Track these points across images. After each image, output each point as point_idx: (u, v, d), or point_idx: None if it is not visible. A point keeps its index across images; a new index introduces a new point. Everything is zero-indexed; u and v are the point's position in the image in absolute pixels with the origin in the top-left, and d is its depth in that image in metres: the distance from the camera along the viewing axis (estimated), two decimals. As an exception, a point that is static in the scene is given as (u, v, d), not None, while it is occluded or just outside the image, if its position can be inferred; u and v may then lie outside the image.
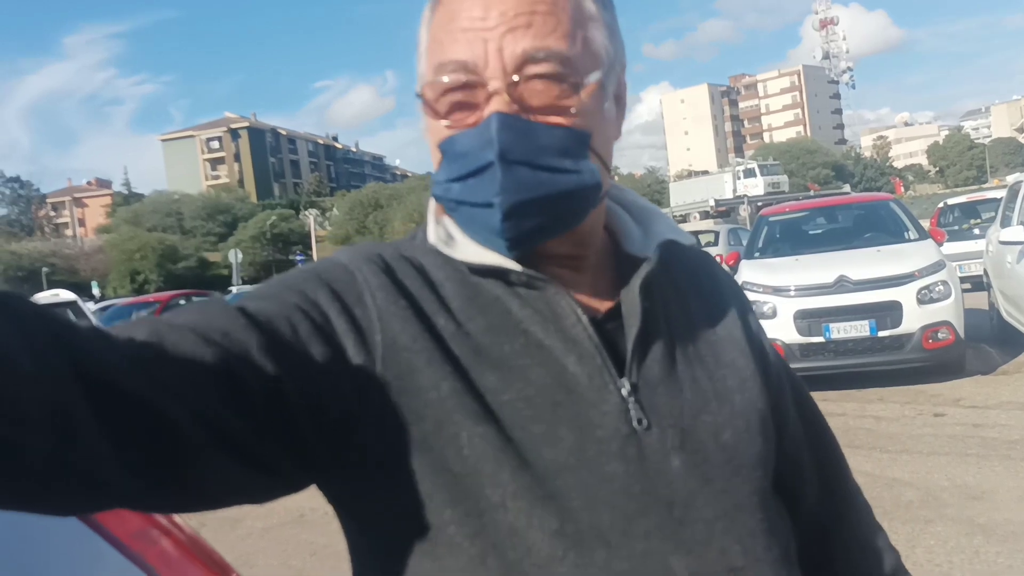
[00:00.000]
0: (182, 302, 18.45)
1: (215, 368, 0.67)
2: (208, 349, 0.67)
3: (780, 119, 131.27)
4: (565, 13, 0.78)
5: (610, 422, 0.78)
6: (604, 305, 0.86)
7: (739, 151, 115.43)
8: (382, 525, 0.78)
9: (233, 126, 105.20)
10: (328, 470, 0.76)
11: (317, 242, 54.62)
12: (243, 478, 0.69)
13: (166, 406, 0.62)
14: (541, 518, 0.74)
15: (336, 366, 0.74)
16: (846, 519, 1.02)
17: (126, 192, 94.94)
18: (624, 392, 0.80)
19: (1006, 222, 8.68)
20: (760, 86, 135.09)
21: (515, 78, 0.76)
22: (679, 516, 0.78)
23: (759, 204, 34.05)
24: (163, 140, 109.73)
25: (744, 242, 12.72)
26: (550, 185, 0.76)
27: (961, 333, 7.46)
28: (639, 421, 0.79)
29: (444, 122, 0.80)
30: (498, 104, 0.76)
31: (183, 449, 0.64)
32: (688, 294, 0.91)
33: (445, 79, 0.79)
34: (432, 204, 0.87)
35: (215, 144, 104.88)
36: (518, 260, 0.82)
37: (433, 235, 0.85)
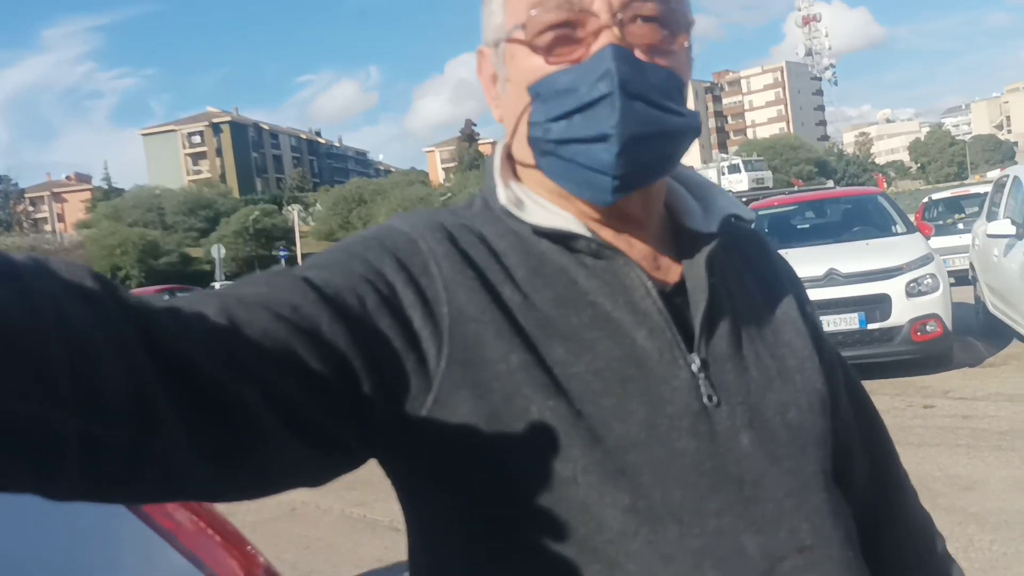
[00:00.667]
0: (165, 298, 18.35)
1: (286, 347, 0.65)
2: (279, 326, 0.65)
3: (764, 115, 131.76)
4: None
5: (680, 398, 0.77)
6: (669, 279, 0.84)
7: (723, 147, 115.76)
8: (447, 503, 0.76)
9: (215, 120, 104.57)
10: (395, 444, 0.74)
11: (300, 237, 54.39)
12: (311, 459, 0.67)
13: (241, 391, 0.60)
14: (613, 494, 0.73)
15: (404, 339, 0.72)
16: (896, 504, 1.01)
17: (106, 187, 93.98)
18: (695, 368, 0.79)
19: (992, 216, 8.75)
20: (744, 82, 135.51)
21: (623, 16, 0.75)
22: (749, 494, 0.77)
23: (744, 199, 34.19)
24: (144, 134, 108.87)
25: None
26: (664, 123, 0.76)
27: (949, 326, 7.52)
28: (709, 398, 0.78)
29: (543, 59, 0.77)
30: (609, 37, 0.75)
31: (257, 433, 0.62)
32: (745, 272, 0.90)
33: (548, 13, 0.77)
34: (498, 164, 0.86)
35: (196, 139, 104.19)
36: (589, 221, 0.81)
37: (503, 196, 0.83)
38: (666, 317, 0.79)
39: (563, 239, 0.81)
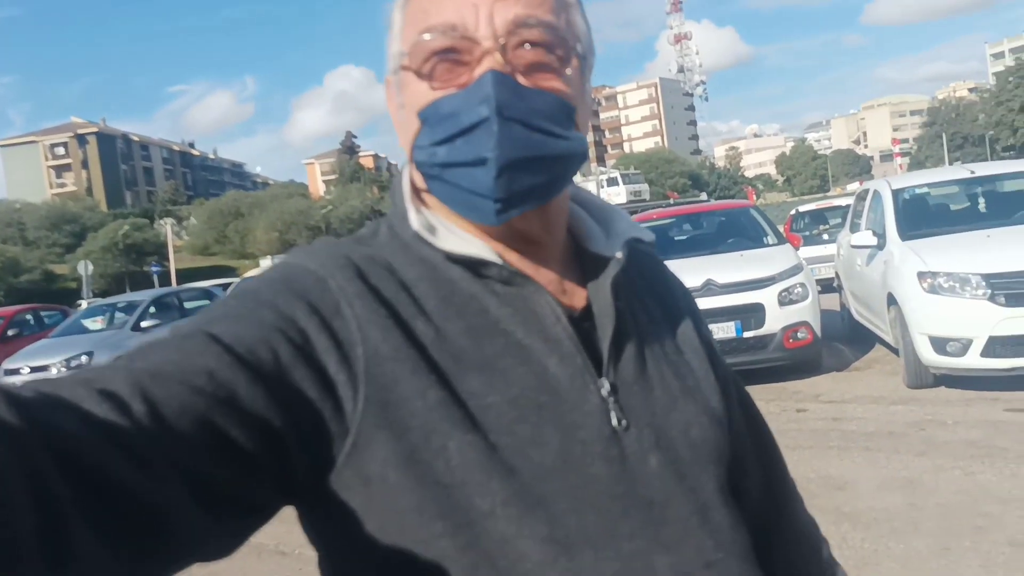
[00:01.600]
0: (28, 317, 17.38)
1: (205, 421, 0.63)
2: (197, 400, 0.63)
3: (639, 130, 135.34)
4: None
5: (592, 423, 0.78)
6: (576, 303, 0.85)
7: (601, 160, 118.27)
8: (369, 545, 0.75)
9: (80, 131, 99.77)
10: (315, 493, 0.73)
11: (174, 252, 52.43)
12: (229, 531, 0.66)
13: (160, 495, 0.59)
14: (531, 525, 0.73)
15: (320, 388, 0.71)
16: (785, 512, 1.05)
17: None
18: (604, 392, 0.80)
19: (855, 228, 9.23)
20: (620, 97, 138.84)
21: (506, 41, 0.76)
22: (658, 515, 0.79)
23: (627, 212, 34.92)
24: (1, 146, 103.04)
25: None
26: (543, 146, 0.76)
27: (819, 332, 7.90)
28: (619, 421, 0.79)
29: (429, 85, 0.78)
30: (491, 63, 0.75)
31: (177, 530, 0.60)
32: (645, 294, 0.93)
33: (434, 40, 0.77)
34: (406, 191, 0.85)
35: (60, 150, 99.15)
36: (494, 246, 0.81)
37: (416, 222, 0.82)
38: (576, 343, 0.80)
39: (474, 266, 0.81)
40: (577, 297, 0.86)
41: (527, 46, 0.77)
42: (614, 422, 0.79)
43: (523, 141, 0.74)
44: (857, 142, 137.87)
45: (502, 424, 0.74)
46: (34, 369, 12.50)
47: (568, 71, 0.80)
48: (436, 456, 0.72)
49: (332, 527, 0.76)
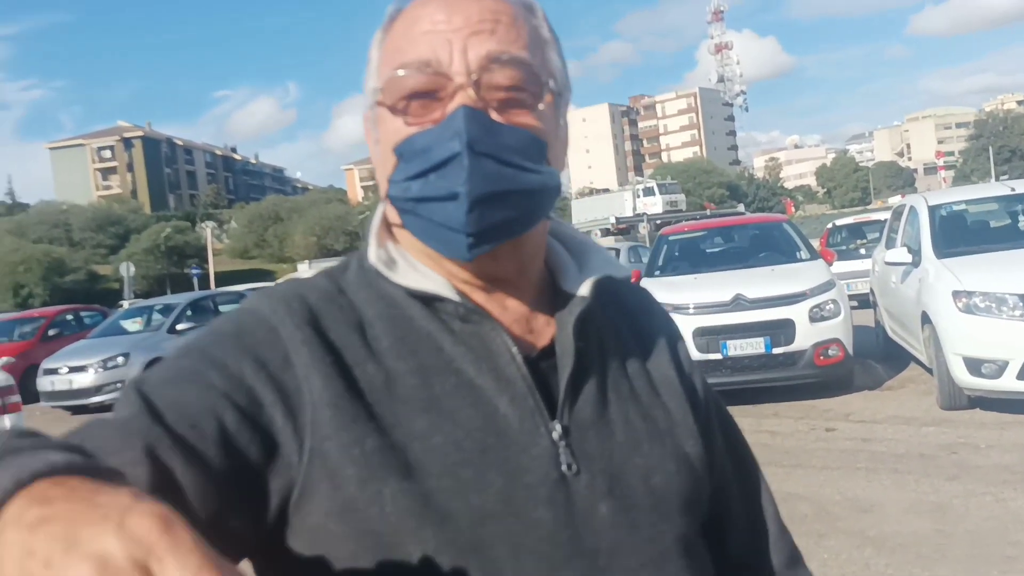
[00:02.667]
0: (68, 317, 17.69)
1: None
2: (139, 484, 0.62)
3: (677, 139, 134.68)
4: (524, 29, 0.80)
5: (539, 467, 0.77)
6: (539, 343, 0.84)
7: (639, 170, 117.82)
8: None
9: (126, 135, 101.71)
10: (268, 549, 0.74)
11: (214, 255, 53.13)
12: None
13: None
14: (463, 573, 0.72)
15: (267, 448, 0.71)
16: (769, 553, 0.99)
17: (10, 202, 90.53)
18: (555, 436, 0.78)
19: (890, 243, 9.08)
20: (659, 107, 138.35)
21: (479, 77, 0.76)
22: (604, 564, 0.77)
23: (658, 222, 34.83)
24: (51, 148, 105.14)
25: (644, 259, 12.93)
26: (515, 181, 0.76)
27: (850, 350, 7.77)
28: (568, 466, 0.78)
29: (404, 121, 0.78)
30: (463, 99, 0.75)
31: None
32: (623, 331, 0.91)
33: (408, 77, 0.77)
34: (375, 225, 0.85)
35: (107, 153, 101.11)
36: (460, 283, 0.81)
37: (374, 256, 0.83)
38: (529, 383, 0.79)
39: (431, 302, 0.80)
40: (544, 335, 0.85)
41: (499, 81, 0.77)
42: (563, 466, 0.77)
43: (494, 176, 0.74)
44: (901, 154, 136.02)
45: (445, 466, 0.74)
46: (72, 369, 12.73)
47: (541, 107, 0.79)
48: (371, 504, 0.71)
49: (273, 571, 0.76)
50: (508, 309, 0.84)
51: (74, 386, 12.64)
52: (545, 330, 0.85)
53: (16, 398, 6.79)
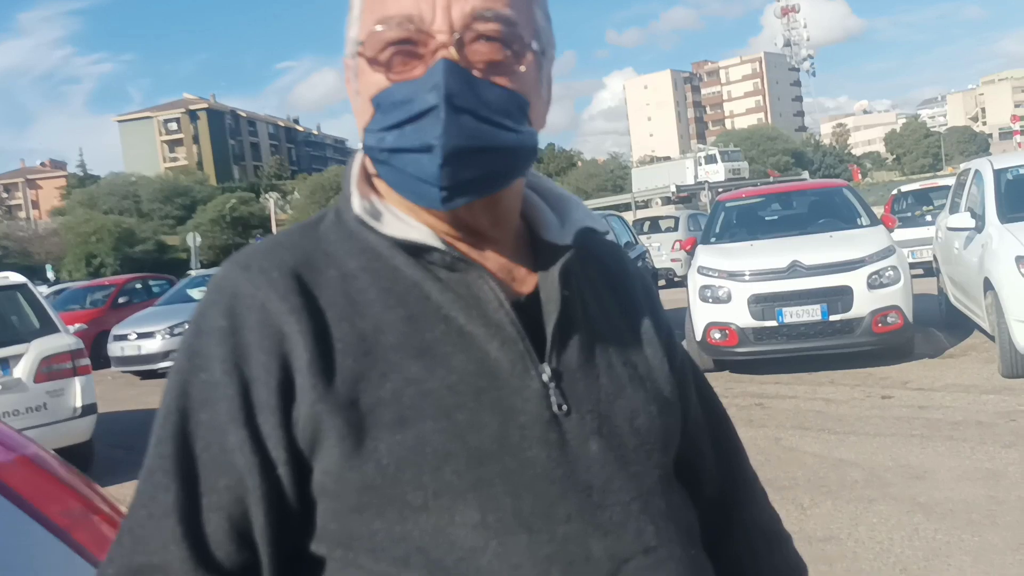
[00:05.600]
0: (137, 285, 18.21)
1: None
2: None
3: (742, 106, 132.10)
4: None
5: (532, 408, 0.79)
6: (523, 290, 0.86)
7: (701, 137, 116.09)
8: (314, 553, 0.81)
9: (192, 107, 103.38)
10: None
11: (278, 225, 53.94)
12: None
13: None
14: (463, 513, 0.76)
15: (287, 443, 0.77)
16: (744, 502, 1.04)
17: (81, 174, 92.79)
18: (545, 378, 0.81)
19: (954, 209, 8.84)
20: (722, 72, 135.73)
21: (462, 35, 0.77)
22: (597, 499, 0.80)
23: (719, 190, 34.29)
24: (119, 121, 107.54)
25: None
26: (492, 138, 0.76)
27: (910, 317, 7.61)
28: (559, 406, 0.81)
29: (384, 75, 0.79)
30: (445, 55, 0.76)
31: None
32: (601, 283, 0.93)
33: (390, 31, 0.78)
34: (354, 176, 0.87)
35: (173, 125, 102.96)
36: (440, 234, 0.83)
37: (358, 206, 0.84)
38: (518, 328, 0.81)
39: (417, 252, 0.82)
40: (527, 284, 0.87)
41: (482, 40, 0.78)
42: (554, 407, 0.80)
43: (471, 131, 0.75)
44: (975, 119, 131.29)
45: (441, 409, 0.77)
46: (141, 335, 13.10)
47: (522, 67, 0.80)
48: (368, 459, 0.75)
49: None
50: (489, 259, 0.86)
51: (142, 352, 12.99)
52: (527, 279, 0.87)
53: (86, 361, 7.03)
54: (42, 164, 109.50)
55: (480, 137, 0.76)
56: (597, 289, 0.92)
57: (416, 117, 0.76)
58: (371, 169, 0.86)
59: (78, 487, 1.49)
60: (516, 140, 0.78)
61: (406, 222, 0.83)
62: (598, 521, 0.79)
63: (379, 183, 0.86)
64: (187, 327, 0.84)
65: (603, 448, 0.82)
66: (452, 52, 0.77)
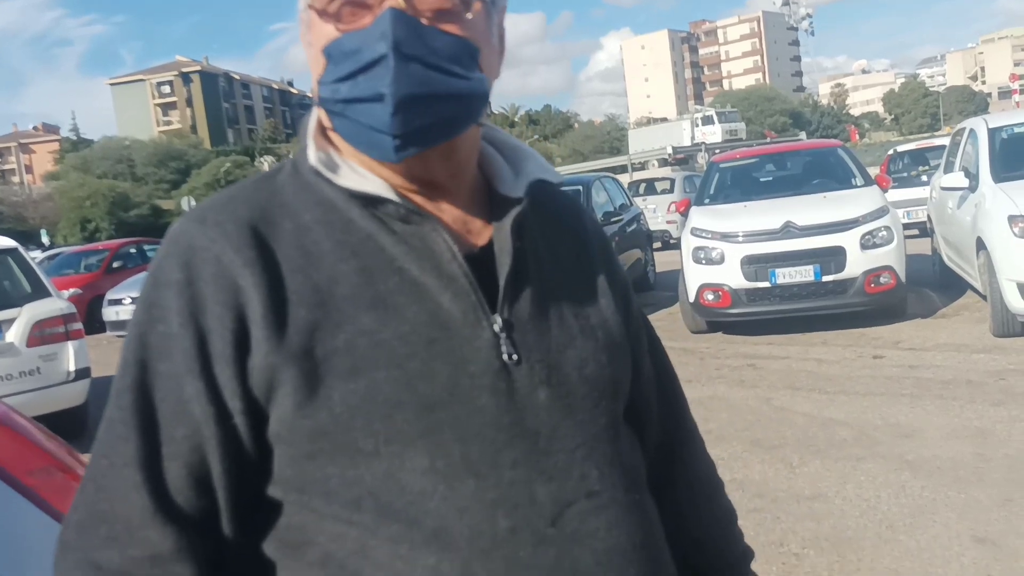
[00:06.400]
0: (132, 250, 18.16)
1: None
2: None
3: (740, 66, 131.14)
4: None
5: (482, 357, 0.81)
6: (478, 242, 0.87)
7: (699, 98, 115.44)
8: (271, 497, 0.82)
9: (184, 70, 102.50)
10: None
11: (273, 189, 53.57)
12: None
13: None
14: (413, 459, 0.78)
15: (243, 392, 0.79)
16: (687, 453, 1.09)
17: (75, 138, 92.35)
18: (496, 328, 0.83)
19: (949, 168, 8.82)
20: (720, 32, 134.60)
21: None
22: (544, 446, 0.82)
23: (716, 151, 34.15)
24: (112, 84, 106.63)
25: (698, 189, 12.71)
26: (442, 84, 0.77)
27: (902, 277, 7.62)
28: (510, 356, 0.82)
29: (333, 26, 0.80)
30: (392, 4, 0.77)
31: None
32: (556, 235, 0.94)
33: None
34: (311, 128, 0.87)
35: (166, 88, 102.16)
36: (397, 187, 0.84)
37: (315, 158, 0.85)
38: (471, 280, 0.82)
39: (372, 204, 0.83)
40: (482, 236, 0.88)
41: None
42: (504, 356, 0.82)
43: (420, 78, 0.76)
44: (974, 78, 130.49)
45: (393, 359, 0.78)
46: (135, 300, 13.00)
47: (470, 15, 0.81)
48: (321, 407, 0.77)
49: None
50: (444, 211, 0.87)
51: (137, 316, 13.01)
52: (483, 231, 0.89)
53: (78, 325, 7.04)
54: (35, 128, 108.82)
55: (430, 84, 0.77)
56: (551, 241, 0.93)
57: (366, 67, 0.76)
58: (327, 124, 0.86)
59: (44, 444, 1.49)
60: (467, 87, 0.79)
61: (361, 175, 0.84)
62: (543, 467, 0.81)
63: (336, 138, 0.87)
64: (145, 279, 0.85)
65: (551, 396, 0.83)
66: (399, 1, 0.77)
